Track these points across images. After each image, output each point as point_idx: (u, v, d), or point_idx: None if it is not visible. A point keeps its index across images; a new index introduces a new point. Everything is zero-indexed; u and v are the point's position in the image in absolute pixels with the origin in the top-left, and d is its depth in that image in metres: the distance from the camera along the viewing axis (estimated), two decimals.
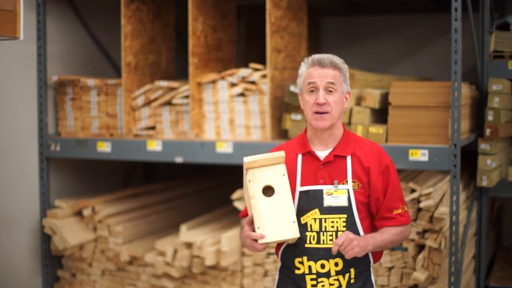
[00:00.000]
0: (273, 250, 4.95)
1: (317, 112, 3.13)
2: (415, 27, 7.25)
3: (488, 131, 5.29)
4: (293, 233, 3.06)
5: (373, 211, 3.18)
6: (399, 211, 3.19)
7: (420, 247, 4.74)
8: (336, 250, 2.97)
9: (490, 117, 5.32)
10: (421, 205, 4.61)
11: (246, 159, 3.08)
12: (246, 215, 3.30)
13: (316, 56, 3.20)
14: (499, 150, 5.47)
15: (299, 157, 3.22)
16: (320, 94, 3.12)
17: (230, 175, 6.76)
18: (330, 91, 3.13)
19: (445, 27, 4.96)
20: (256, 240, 3.05)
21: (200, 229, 5.35)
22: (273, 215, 3.05)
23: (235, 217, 5.53)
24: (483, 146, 5.30)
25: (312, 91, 3.15)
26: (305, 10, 5.81)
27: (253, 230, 3.07)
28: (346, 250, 2.97)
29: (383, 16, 7.34)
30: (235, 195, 5.11)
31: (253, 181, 3.10)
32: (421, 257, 4.60)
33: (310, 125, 3.21)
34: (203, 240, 5.06)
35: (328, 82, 3.13)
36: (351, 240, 2.97)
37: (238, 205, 5.06)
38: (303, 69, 3.22)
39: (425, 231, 4.68)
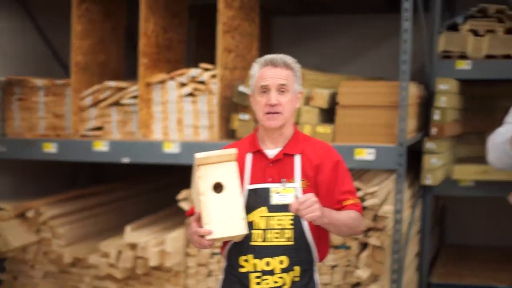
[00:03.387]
0: (217, 250, 4.96)
1: (268, 113, 3.13)
2: (367, 27, 7.31)
3: (434, 130, 5.35)
4: (241, 230, 3.05)
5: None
6: (350, 201, 3.18)
7: (364, 245, 4.78)
8: (296, 208, 2.88)
9: (436, 116, 5.38)
10: (366, 203, 4.63)
11: (198, 155, 3.07)
12: (193, 213, 3.29)
13: (269, 56, 3.19)
14: (445, 149, 5.54)
15: (249, 155, 3.22)
16: (272, 95, 3.11)
17: (178, 176, 6.74)
18: (282, 92, 3.13)
19: (396, 27, 5.00)
20: (203, 237, 3.05)
21: (145, 230, 5.34)
22: (222, 212, 3.04)
23: (180, 217, 5.50)
24: (429, 145, 5.36)
25: (264, 92, 3.15)
26: (257, 10, 5.82)
27: (201, 227, 3.06)
28: (308, 211, 2.88)
29: (334, 16, 7.38)
30: (181, 195, 5.10)
31: (204, 177, 3.09)
32: (364, 255, 4.64)
33: (262, 125, 3.22)
34: (147, 241, 5.05)
35: (280, 84, 3.13)
36: (315, 201, 2.90)
37: (184, 205, 5.05)
38: (255, 69, 3.21)
39: (368, 229, 4.71)
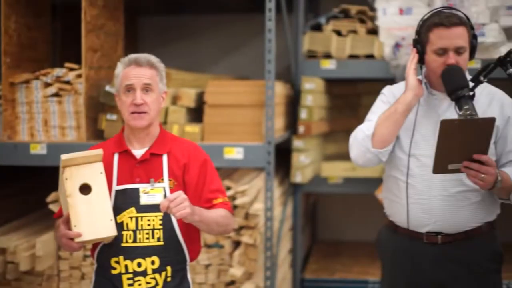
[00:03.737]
0: (90, 253, 4.88)
1: (134, 112, 3.12)
2: (234, 27, 7.36)
3: (301, 129, 5.46)
4: (110, 231, 3.04)
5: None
6: (220, 200, 3.21)
7: (237, 244, 4.81)
8: (167, 206, 2.89)
9: (303, 115, 5.50)
10: (237, 202, 4.66)
11: (64, 157, 3.02)
12: (61, 215, 3.24)
13: (133, 56, 3.19)
14: (312, 146, 5.66)
15: (116, 156, 3.20)
16: (137, 95, 3.10)
17: (46, 178, 6.58)
18: (147, 91, 3.13)
19: (261, 27, 5.08)
20: (72, 239, 3.00)
21: (15, 234, 5.15)
22: (90, 214, 3.01)
23: (51, 220, 5.35)
24: (297, 143, 5.47)
25: (129, 91, 3.13)
26: (122, 9, 5.75)
27: (69, 229, 3.01)
28: (178, 208, 2.89)
29: (201, 16, 7.39)
30: (50, 197, 5.00)
31: (70, 179, 3.05)
32: (237, 254, 4.67)
33: (128, 125, 3.19)
34: (17, 245, 4.89)
35: (144, 83, 3.13)
36: (185, 199, 2.92)
37: (53, 207, 4.94)
38: (120, 69, 3.20)
39: (241, 227, 4.75)
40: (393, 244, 3.51)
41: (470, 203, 3.31)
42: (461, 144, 3.00)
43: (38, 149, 4.92)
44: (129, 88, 3.13)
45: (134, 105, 3.11)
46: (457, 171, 3.07)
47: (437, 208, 3.31)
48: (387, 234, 3.57)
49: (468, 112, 3.01)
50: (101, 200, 3.06)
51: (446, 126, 2.95)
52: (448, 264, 3.35)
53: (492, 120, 2.98)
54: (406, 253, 3.42)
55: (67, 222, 3.04)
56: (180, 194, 2.93)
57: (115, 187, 3.15)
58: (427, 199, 3.31)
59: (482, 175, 3.02)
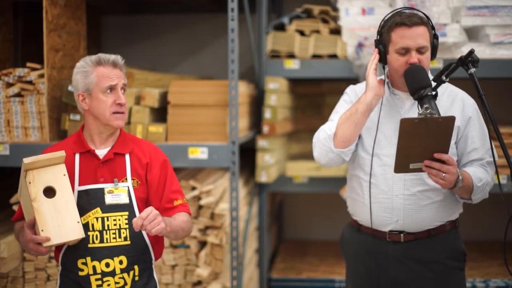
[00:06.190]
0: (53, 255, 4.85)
1: (116, 112, 3.15)
2: (197, 27, 7.35)
3: (266, 128, 5.47)
4: (78, 234, 3.03)
5: (154, 206, 3.19)
6: (180, 201, 3.26)
7: (203, 244, 4.81)
8: (140, 225, 2.91)
9: (267, 115, 5.51)
10: (202, 202, 4.67)
11: (26, 160, 3.01)
12: (19, 219, 3.24)
13: (106, 56, 3.20)
14: (277, 146, 5.67)
15: (77, 156, 3.20)
16: (121, 95, 3.16)
17: (8, 178, 6.52)
18: (124, 91, 3.20)
19: (224, 27, 5.08)
20: (40, 244, 2.99)
21: None
22: (56, 217, 3.00)
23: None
24: (261, 142, 5.48)
25: (110, 91, 3.15)
26: (84, 9, 5.71)
27: (36, 233, 3.00)
28: (152, 225, 2.91)
29: (164, 16, 7.36)
30: (14, 198, 4.95)
31: (33, 182, 3.03)
32: (203, 254, 4.67)
33: (95, 124, 3.21)
34: None
35: (124, 84, 3.19)
36: (157, 214, 2.95)
37: (17, 209, 4.90)
38: (89, 68, 3.20)
39: (206, 227, 4.75)
40: (356, 242, 3.54)
41: (432, 202, 3.35)
42: (422, 143, 3.02)
43: (1, 150, 4.87)
44: (111, 88, 3.15)
45: (118, 105, 3.15)
46: (419, 170, 3.10)
47: (399, 207, 3.34)
48: (350, 232, 3.60)
49: (428, 111, 3.03)
50: (66, 202, 3.05)
51: (406, 125, 2.97)
52: (410, 262, 3.38)
53: (451, 119, 3.01)
54: (369, 251, 3.45)
55: (32, 227, 3.03)
56: (152, 210, 2.96)
57: (78, 188, 3.16)
58: (389, 198, 3.34)
59: (443, 174, 3.05)
